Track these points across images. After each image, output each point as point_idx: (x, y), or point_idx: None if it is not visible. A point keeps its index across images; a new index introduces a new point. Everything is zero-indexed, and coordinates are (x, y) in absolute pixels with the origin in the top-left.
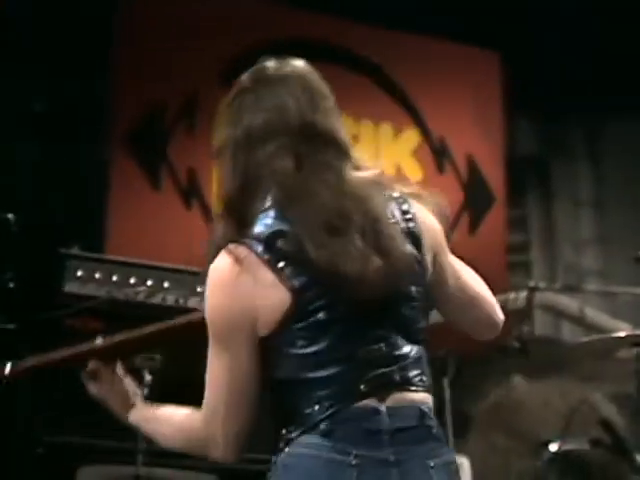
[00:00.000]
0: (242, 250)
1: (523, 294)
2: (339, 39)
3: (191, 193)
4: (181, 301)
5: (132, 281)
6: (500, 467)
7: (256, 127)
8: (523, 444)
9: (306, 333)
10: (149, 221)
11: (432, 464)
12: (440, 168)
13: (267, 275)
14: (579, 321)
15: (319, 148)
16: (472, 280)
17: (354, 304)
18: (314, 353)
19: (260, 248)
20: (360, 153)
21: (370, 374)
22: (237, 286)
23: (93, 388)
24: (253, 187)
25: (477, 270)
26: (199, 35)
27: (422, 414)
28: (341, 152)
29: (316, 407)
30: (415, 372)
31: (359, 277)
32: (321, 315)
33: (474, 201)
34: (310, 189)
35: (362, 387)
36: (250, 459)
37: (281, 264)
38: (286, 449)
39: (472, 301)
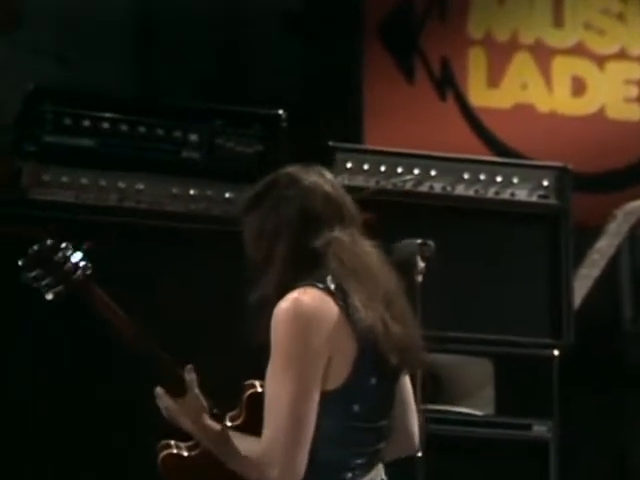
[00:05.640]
0: (321, 294)
1: None
2: None
3: (445, 83)
4: (448, 189)
5: (399, 170)
6: None
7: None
8: None
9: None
10: (404, 113)
11: None
12: None
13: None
14: None
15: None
16: None
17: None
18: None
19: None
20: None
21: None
22: (322, 322)
23: (169, 404)
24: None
25: None
26: None
27: None
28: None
29: None
30: None
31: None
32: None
33: None
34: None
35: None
36: (521, 343)
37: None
38: None
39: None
